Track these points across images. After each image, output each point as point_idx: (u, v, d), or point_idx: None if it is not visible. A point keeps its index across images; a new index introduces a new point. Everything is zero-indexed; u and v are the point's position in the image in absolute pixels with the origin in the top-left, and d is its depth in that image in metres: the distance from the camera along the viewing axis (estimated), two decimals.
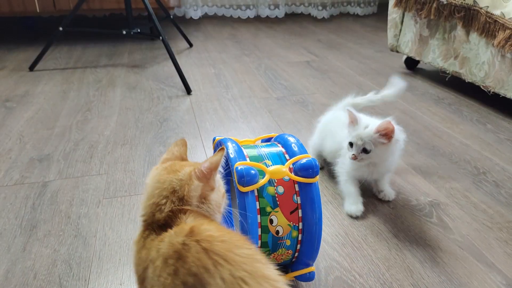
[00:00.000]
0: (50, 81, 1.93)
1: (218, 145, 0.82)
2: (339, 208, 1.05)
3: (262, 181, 0.69)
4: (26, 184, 1.13)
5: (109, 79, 1.97)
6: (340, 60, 2.32)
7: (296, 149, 0.75)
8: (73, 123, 1.50)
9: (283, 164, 0.74)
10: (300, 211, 0.72)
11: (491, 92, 1.59)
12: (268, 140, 0.87)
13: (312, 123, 1.53)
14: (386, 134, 0.95)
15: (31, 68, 2.07)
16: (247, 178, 0.67)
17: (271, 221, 0.70)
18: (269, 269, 0.47)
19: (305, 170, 0.71)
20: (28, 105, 1.66)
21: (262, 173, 0.71)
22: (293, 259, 0.77)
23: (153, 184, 0.59)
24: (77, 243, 0.92)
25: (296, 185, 0.72)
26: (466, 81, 1.70)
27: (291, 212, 0.71)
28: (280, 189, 0.71)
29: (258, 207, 0.70)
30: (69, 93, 1.79)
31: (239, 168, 0.68)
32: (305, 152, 0.75)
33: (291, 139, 0.79)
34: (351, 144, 0.99)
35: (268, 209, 0.70)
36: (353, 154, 0.98)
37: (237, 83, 1.94)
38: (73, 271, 0.84)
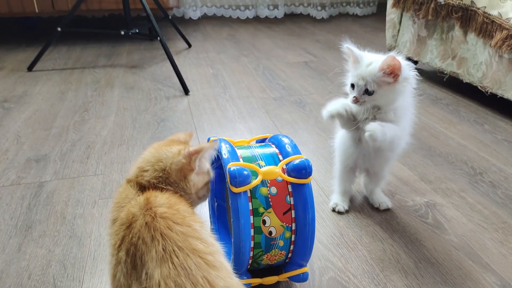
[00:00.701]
0: (48, 82, 1.93)
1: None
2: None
3: (255, 182, 0.69)
4: (22, 184, 1.13)
5: (107, 79, 1.97)
6: (339, 61, 2.32)
7: (289, 150, 0.75)
8: (71, 124, 1.50)
9: (276, 165, 0.73)
10: (293, 212, 0.72)
11: (488, 93, 1.59)
12: (262, 140, 0.87)
13: (309, 123, 1.53)
14: (392, 72, 0.82)
15: (30, 68, 2.07)
16: (239, 178, 0.67)
17: (264, 222, 0.70)
18: (202, 243, 0.53)
19: (298, 171, 0.70)
20: (26, 106, 1.66)
21: (255, 173, 0.71)
22: (287, 260, 0.77)
23: (147, 152, 0.66)
24: (72, 243, 0.92)
25: (289, 186, 0.72)
26: (464, 82, 1.70)
27: (284, 213, 0.71)
28: (273, 190, 0.71)
29: (251, 207, 0.70)
30: (67, 94, 1.79)
31: (231, 169, 0.68)
32: (299, 153, 0.75)
33: (285, 140, 0.79)
34: (352, 86, 0.87)
35: (261, 210, 0.70)
36: (354, 97, 0.86)
37: (235, 84, 1.94)
38: (68, 271, 0.84)
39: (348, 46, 0.87)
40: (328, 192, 1.12)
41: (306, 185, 0.71)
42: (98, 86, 1.89)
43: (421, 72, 2.10)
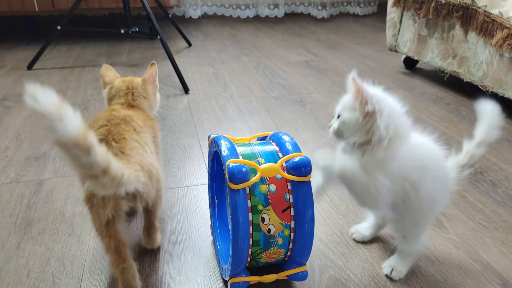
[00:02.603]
0: (48, 80, 1.93)
1: (212, 143, 0.82)
2: (334, 208, 1.05)
3: (254, 179, 0.69)
4: (22, 182, 1.13)
5: None
6: (339, 60, 2.32)
7: (290, 147, 0.75)
8: None
9: (276, 162, 0.73)
10: (292, 209, 0.71)
11: (489, 92, 1.58)
12: (263, 138, 0.87)
13: (309, 122, 1.52)
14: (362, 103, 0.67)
15: (30, 67, 2.07)
16: (238, 175, 0.66)
17: (263, 220, 0.70)
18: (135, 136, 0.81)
19: (297, 168, 0.70)
20: (25, 104, 1.65)
21: (254, 171, 0.70)
22: (286, 258, 0.76)
23: (122, 82, 0.97)
24: (71, 241, 0.91)
25: (289, 184, 0.72)
26: (465, 81, 1.69)
27: (283, 211, 0.71)
28: (272, 187, 0.71)
29: (249, 205, 0.69)
30: (66, 92, 1.79)
31: (230, 166, 0.67)
32: (299, 150, 0.74)
33: (286, 138, 0.78)
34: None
35: (260, 207, 0.70)
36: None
37: (235, 83, 1.94)
38: (67, 269, 0.84)
39: (354, 76, 0.69)
40: (329, 192, 1.11)
41: (305, 183, 0.71)
42: (98, 84, 1.88)
43: (421, 71, 2.11)
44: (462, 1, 1.61)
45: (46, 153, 1.28)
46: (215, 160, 0.87)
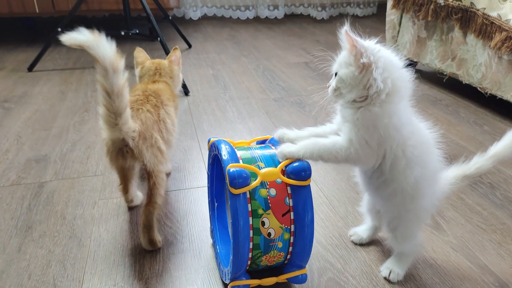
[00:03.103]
0: (48, 82, 1.93)
1: (212, 147, 0.82)
2: (333, 210, 1.05)
3: (254, 183, 0.69)
4: (23, 184, 1.14)
5: None
6: None
7: None
8: (71, 124, 1.51)
9: (276, 166, 0.74)
10: (292, 213, 0.72)
11: (488, 94, 1.59)
12: (263, 142, 0.87)
13: (309, 124, 1.53)
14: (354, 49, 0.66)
15: (30, 68, 2.07)
16: (239, 180, 0.67)
17: (263, 223, 0.70)
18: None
19: (297, 172, 0.71)
20: (26, 106, 1.66)
21: (254, 175, 0.71)
22: (285, 261, 0.77)
23: (151, 64, 1.15)
24: (72, 244, 0.92)
25: (289, 188, 0.72)
26: (464, 83, 1.70)
27: (283, 215, 0.71)
28: (272, 192, 0.71)
29: (250, 209, 0.70)
30: (67, 94, 1.79)
31: (231, 170, 0.68)
32: None
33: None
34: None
35: (260, 211, 0.70)
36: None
37: (235, 84, 1.94)
38: (68, 271, 0.84)
39: (347, 30, 0.69)
40: (327, 193, 1.12)
41: (305, 187, 0.71)
42: None
43: (421, 73, 2.12)
44: (461, 4, 1.62)
45: (47, 155, 1.29)
46: (215, 163, 0.88)
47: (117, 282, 0.82)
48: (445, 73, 1.79)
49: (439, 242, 0.94)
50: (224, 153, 0.73)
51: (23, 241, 0.93)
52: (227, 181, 0.68)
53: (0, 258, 0.87)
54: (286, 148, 0.73)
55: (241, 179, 0.67)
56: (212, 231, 0.91)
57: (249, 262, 0.73)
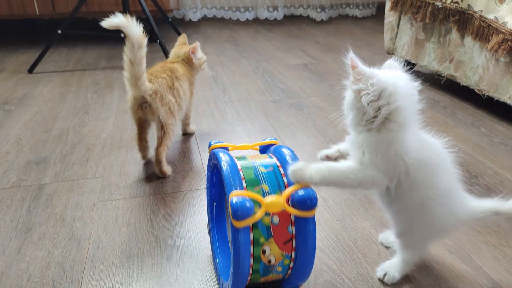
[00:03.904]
0: (48, 84, 1.94)
1: (211, 156, 0.81)
2: (330, 212, 1.06)
3: (258, 215, 0.66)
4: (23, 187, 1.15)
5: (107, 81, 1.99)
6: (338, 63, 2.33)
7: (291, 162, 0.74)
8: (71, 126, 1.52)
9: (281, 188, 0.71)
10: (294, 241, 0.70)
11: (485, 96, 1.60)
12: (266, 147, 0.85)
13: (307, 126, 1.54)
14: None
15: (30, 70, 2.09)
16: (242, 211, 0.64)
17: (264, 252, 0.69)
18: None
19: (302, 202, 0.67)
20: (26, 108, 1.67)
21: (257, 203, 0.68)
22: (285, 277, 0.76)
23: (177, 48, 1.43)
24: (71, 246, 0.93)
25: (293, 215, 0.70)
26: (461, 85, 1.71)
27: (285, 242, 0.69)
28: (276, 219, 0.69)
29: (251, 238, 0.67)
30: (67, 96, 1.80)
31: (234, 201, 0.64)
32: None
33: (286, 151, 0.77)
34: None
35: (262, 240, 0.68)
36: None
37: (234, 86, 1.95)
38: (66, 273, 0.85)
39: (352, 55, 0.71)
40: (324, 195, 1.13)
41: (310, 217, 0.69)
42: (98, 88, 1.90)
43: (418, 74, 2.12)
44: (458, 6, 1.63)
45: (47, 157, 1.30)
46: (215, 169, 0.87)
47: (115, 284, 0.83)
48: (443, 75, 1.80)
49: (435, 244, 0.95)
50: (226, 173, 0.69)
51: (22, 243, 0.94)
52: (230, 213, 0.65)
53: (0, 260, 0.89)
54: (297, 172, 0.69)
55: (244, 210, 0.64)
56: (210, 230, 0.91)
57: (247, 283, 0.73)
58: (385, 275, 0.84)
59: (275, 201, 0.67)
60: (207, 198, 0.94)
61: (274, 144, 0.84)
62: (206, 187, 0.94)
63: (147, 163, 1.28)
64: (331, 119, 1.58)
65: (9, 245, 0.93)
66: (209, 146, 0.85)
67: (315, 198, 0.67)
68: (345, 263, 0.89)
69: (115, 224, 1.00)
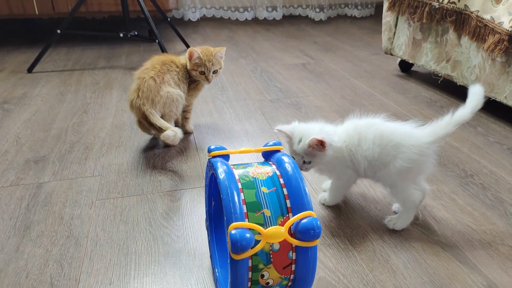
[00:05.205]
0: (48, 83, 1.95)
1: (209, 166, 0.79)
2: (326, 210, 1.07)
3: (257, 247, 0.64)
4: (21, 185, 1.16)
5: (106, 81, 2.00)
6: (336, 63, 2.34)
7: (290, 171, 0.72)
8: (69, 125, 1.53)
9: (283, 211, 0.69)
10: (293, 265, 0.69)
11: None
12: (269, 153, 0.81)
13: None
14: (318, 145, 0.92)
15: (30, 70, 2.09)
16: (242, 243, 0.62)
17: (262, 276, 0.68)
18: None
19: (306, 231, 0.65)
20: (25, 107, 1.68)
21: (256, 232, 0.65)
22: None
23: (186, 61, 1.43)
24: (69, 243, 0.94)
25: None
26: (458, 84, 1.72)
27: (284, 267, 0.68)
28: (276, 246, 0.67)
29: (250, 264, 0.66)
30: (66, 95, 1.81)
31: (233, 233, 0.62)
32: (305, 194, 0.69)
33: (285, 158, 0.75)
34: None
35: (261, 266, 0.67)
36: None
37: (233, 86, 1.96)
38: (64, 271, 0.86)
39: (279, 129, 0.97)
40: (320, 192, 1.14)
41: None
42: (97, 87, 1.91)
43: (416, 74, 2.14)
44: (455, 6, 1.63)
45: (46, 156, 1.31)
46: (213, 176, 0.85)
47: (113, 281, 0.84)
48: (440, 75, 1.81)
49: (429, 242, 0.96)
50: (226, 196, 0.66)
51: (21, 241, 0.94)
52: (229, 245, 0.63)
53: None
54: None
55: (244, 242, 0.62)
56: (207, 228, 0.91)
57: None
58: (389, 221, 1.01)
59: (276, 232, 0.65)
60: (205, 196, 0.94)
61: (279, 151, 0.80)
62: (204, 185, 0.95)
63: (146, 162, 1.28)
64: (329, 118, 1.59)
65: (7, 243, 0.94)
66: (208, 151, 0.80)
67: (319, 228, 0.65)
68: (340, 261, 0.90)
69: (113, 222, 1.01)
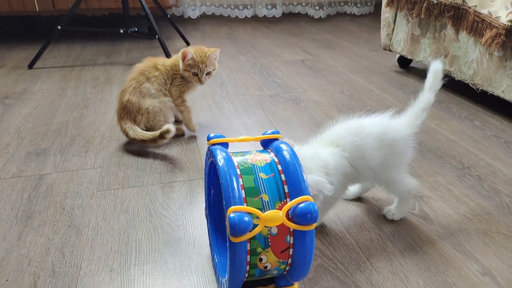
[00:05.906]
0: (48, 79, 1.96)
1: (208, 154, 0.81)
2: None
3: (256, 231, 0.66)
4: (23, 177, 1.17)
5: (106, 77, 2.01)
6: (335, 59, 2.36)
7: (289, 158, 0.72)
8: (70, 119, 1.54)
9: (281, 196, 0.70)
10: (291, 249, 0.70)
11: (479, 90, 1.62)
12: (267, 142, 0.82)
13: (303, 119, 1.56)
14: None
15: (30, 66, 2.11)
16: (240, 226, 0.63)
17: (260, 260, 0.69)
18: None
19: (303, 215, 0.66)
20: (26, 102, 1.69)
21: (255, 216, 0.67)
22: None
23: (174, 61, 1.39)
24: (70, 232, 0.95)
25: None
26: (456, 79, 1.73)
27: (282, 251, 0.70)
28: (274, 230, 0.68)
29: (248, 248, 0.67)
30: (66, 91, 1.82)
31: (231, 216, 0.63)
32: (302, 177, 0.70)
33: (284, 146, 0.75)
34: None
35: (259, 249, 0.68)
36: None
37: (232, 81, 1.98)
38: (66, 258, 0.87)
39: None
40: None
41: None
42: (97, 83, 1.92)
43: (415, 70, 2.15)
44: (453, 1, 1.65)
45: (47, 149, 1.32)
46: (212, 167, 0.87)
47: (114, 268, 0.85)
48: None
49: (426, 231, 0.97)
50: (224, 180, 0.67)
51: (23, 230, 0.96)
52: (228, 228, 0.64)
53: (0, 246, 0.91)
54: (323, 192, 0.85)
55: (242, 225, 0.63)
56: (207, 216, 0.92)
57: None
58: (387, 211, 1.03)
59: (274, 216, 0.66)
60: (205, 185, 0.95)
61: (277, 139, 0.80)
62: (203, 176, 0.96)
63: (146, 155, 1.30)
64: (328, 113, 1.61)
65: (9, 232, 0.95)
66: (207, 139, 0.81)
67: (316, 212, 0.66)
68: (338, 249, 0.91)
69: (114, 212, 1.02)
